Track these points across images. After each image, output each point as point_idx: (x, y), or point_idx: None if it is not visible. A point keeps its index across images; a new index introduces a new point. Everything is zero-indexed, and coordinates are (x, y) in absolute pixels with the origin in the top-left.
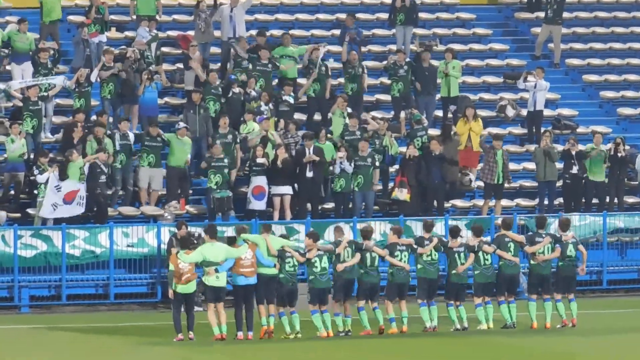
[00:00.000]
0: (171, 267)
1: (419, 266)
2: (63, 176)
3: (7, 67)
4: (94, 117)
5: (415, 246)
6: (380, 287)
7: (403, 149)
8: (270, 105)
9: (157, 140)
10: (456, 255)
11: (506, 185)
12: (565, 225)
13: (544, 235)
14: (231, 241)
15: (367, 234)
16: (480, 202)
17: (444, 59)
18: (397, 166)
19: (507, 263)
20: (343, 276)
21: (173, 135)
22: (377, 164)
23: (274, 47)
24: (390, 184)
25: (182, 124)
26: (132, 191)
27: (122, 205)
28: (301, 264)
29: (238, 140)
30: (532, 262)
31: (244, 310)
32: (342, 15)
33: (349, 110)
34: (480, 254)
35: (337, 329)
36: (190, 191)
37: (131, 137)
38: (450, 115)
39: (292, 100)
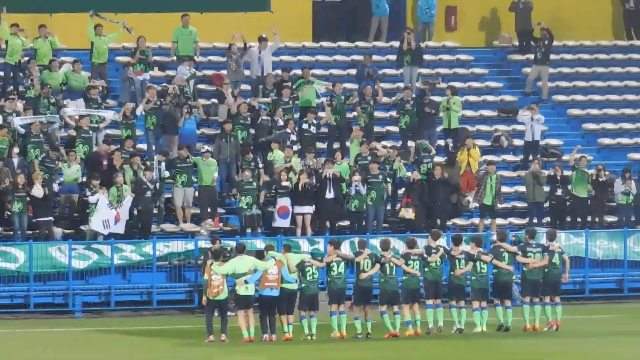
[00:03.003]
0: (205, 276)
1: (426, 269)
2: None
3: (64, 102)
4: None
5: (425, 255)
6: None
7: (409, 173)
8: (295, 131)
9: (187, 161)
10: (456, 261)
11: (499, 205)
12: (552, 236)
13: (534, 245)
14: (259, 254)
15: (386, 245)
16: (477, 221)
17: (446, 95)
18: (403, 189)
19: (502, 271)
20: (363, 284)
21: (199, 158)
22: (388, 179)
23: (295, 81)
24: (398, 205)
25: (206, 147)
26: (165, 209)
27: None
28: (321, 268)
29: (260, 166)
30: (524, 269)
31: (268, 317)
32: (357, 57)
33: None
34: (477, 262)
35: (355, 332)
36: (223, 210)
37: (163, 166)
38: (450, 145)
39: (314, 130)
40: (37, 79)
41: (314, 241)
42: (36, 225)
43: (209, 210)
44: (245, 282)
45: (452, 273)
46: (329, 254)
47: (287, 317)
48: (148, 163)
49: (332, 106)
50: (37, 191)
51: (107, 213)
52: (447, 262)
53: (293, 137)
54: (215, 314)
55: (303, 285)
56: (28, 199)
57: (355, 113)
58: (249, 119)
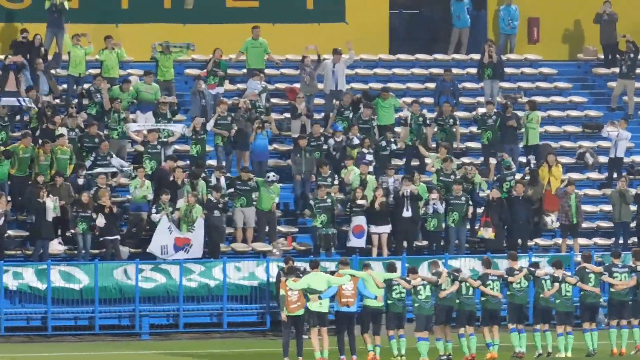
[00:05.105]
0: (282, 292)
1: (509, 293)
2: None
3: (132, 116)
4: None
5: (506, 276)
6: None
7: (488, 191)
8: (371, 149)
9: (248, 184)
10: (542, 282)
11: (582, 225)
12: (639, 255)
13: (620, 266)
14: (333, 273)
15: (457, 271)
16: (560, 241)
17: (525, 110)
18: (482, 208)
19: (589, 293)
20: (443, 303)
21: (262, 181)
22: (470, 202)
23: (373, 98)
24: (477, 225)
25: (271, 176)
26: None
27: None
28: (407, 290)
29: (336, 183)
30: (611, 290)
31: (347, 336)
32: (435, 70)
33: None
34: (562, 285)
35: (438, 354)
36: (296, 229)
37: (223, 181)
38: (533, 163)
39: (394, 148)
40: (107, 92)
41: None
42: (101, 244)
43: (266, 231)
44: (320, 297)
45: (541, 295)
46: (413, 278)
47: (372, 337)
48: (212, 181)
49: (410, 126)
50: (100, 221)
51: (166, 238)
52: (531, 284)
53: (369, 157)
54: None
55: (389, 302)
56: (94, 216)
57: (429, 129)
58: (322, 138)
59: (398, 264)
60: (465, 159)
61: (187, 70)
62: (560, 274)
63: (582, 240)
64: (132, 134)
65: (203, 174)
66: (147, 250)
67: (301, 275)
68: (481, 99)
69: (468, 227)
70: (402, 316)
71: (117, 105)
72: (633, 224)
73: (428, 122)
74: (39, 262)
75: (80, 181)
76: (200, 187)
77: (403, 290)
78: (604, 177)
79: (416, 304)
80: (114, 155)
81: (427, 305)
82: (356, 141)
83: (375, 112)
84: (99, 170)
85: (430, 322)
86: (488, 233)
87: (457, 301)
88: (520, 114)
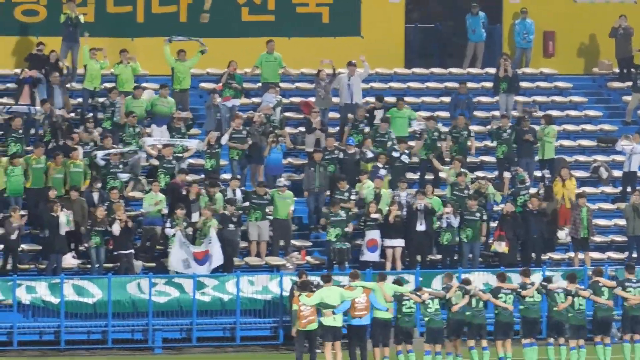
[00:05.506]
0: (294, 307)
1: (522, 307)
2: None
3: (147, 130)
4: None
5: (519, 290)
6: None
7: (502, 205)
8: (386, 166)
9: (263, 198)
10: (555, 295)
11: (592, 238)
12: None
13: (634, 281)
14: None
15: (467, 282)
16: (573, 255)
17: (541, 124)
18: (496, 222)
19: (601, 306)
20: (455, 317)
21: (275, 191)
22: (484, 217)
23: (389, 108)
24: (491, 239)
25: (282, 181)
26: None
27: None
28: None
29: (354, 197)
30: (625, 304)
31: (359, 348)
32: (450, 84)
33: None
34: (575, 299)
35: None
36: (310, 243)
37: (239, 194)
38: (547, 177)
39: (406, 160)
40: (123, 106)
41: (403, 279)
42: (115, 258)
43: (281, 244)
44: (334, 312)
45: (554, 308)
46: (422, 294)
47: (381, 350)
48: (228, 194)
49: (425, 140)
50: (116, 228)
51: (184, 252)
52: (544, 298)
53: (383, 171)
54: None
55: (398, 316)
56: (108, 229)
57: (444, 144)
58: (335, 151)
59: (412, 278)
60: (480, 173)
61: (202, 84)
62: (574, 288)
63: (595, 254)
64: (148, 148)
65: (220, 187)
66: (169, 269)
67: (314, 289)
68: (496, 113)
69: (482, 240)
70: (410, 331)
71: (132, 120)
72: None
73: (443, 136)
74: (52, 276)
75: (95, 195)
76: (217, 199)
77: (413, 306)
78: (618, 191)
79: (426, 318)
80: (127, 163)
81: (438, 318)
82: (370, 155)
83: (390, 122)
84: (117, 150)
85: (441, 335)
86: (502, 247)
87: (468, 313)
88: (535, 127)
